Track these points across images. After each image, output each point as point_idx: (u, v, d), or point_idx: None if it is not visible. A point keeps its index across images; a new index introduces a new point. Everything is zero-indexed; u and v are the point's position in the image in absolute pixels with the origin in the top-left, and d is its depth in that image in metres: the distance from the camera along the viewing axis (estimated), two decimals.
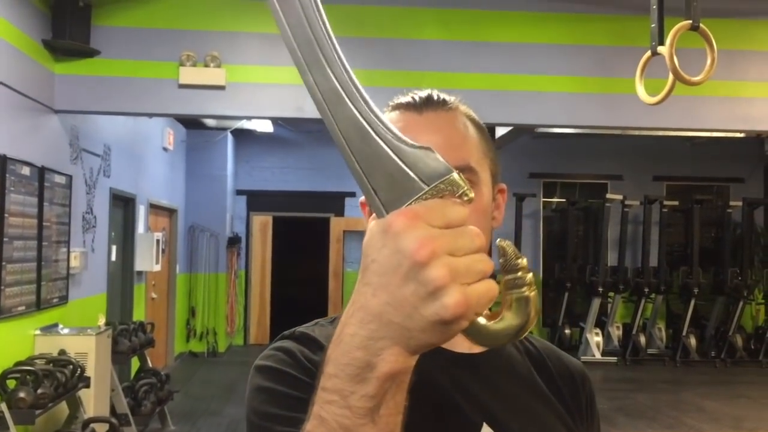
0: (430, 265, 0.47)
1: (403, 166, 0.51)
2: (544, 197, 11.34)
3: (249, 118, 7.75)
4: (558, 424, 0.90)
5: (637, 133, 8.62)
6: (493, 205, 0.88)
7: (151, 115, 7.08)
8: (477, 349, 0.88)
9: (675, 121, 5.77)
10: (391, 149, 0.52)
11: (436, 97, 0.86)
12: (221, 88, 5.42)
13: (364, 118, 0.52)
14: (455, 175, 0.51)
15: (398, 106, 0.87)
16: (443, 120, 0.85)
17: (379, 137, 0.52)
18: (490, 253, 0.83)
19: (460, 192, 0.51)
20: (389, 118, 0.87)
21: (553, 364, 0.95)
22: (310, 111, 5.48)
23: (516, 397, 0.88)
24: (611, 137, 9.75)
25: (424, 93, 0.87)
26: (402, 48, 5.62)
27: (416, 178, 0.51)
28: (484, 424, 0.83)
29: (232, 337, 10.53)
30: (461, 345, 0.87)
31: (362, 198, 0.91)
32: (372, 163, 0.52)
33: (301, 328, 0.87)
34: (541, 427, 0.88)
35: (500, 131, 8.21)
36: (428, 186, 0.51)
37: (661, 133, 8.32)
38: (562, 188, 11.42)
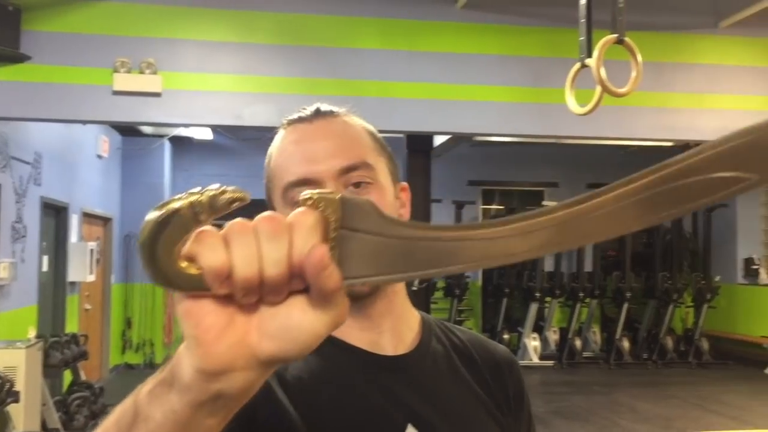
0: None
1: None
2: (483, 204, 11.51)
3: (186, 125, 7.64)
4: (486, 418, 0.91)
5: (571, 141, 8.85)
6: (398, 203, 0.91)
7: (84, 122, 6.92)
8: (401, 351, 0.90)
9: (606, 131, 5.96)
10: None
11: (324, 109, 0.91)
12: (157, 95, 5.35)
13: None
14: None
15: (291, 122, 0.91)
16: (334, 126, 0.89)
17: None
18: None
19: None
20: (284, 135, 0.91)
21: (479, 355, 0.97)
22: (249, 119, 5.45)
23: (442, 395, 0.89)
24: (547, 145, 9.98)
25: (312, 107, 0.91)
26: (341, 57, 5.64)
27: None
28: (409, 426, 0.84)
29: (170, 347, 10.33)
30: (385, 348, 0.89)
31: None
32: None
33: None
34: (468, 424, 0.89)
35: (439, 140, 8.32)
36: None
37: (594, 141, 8.55)
38: (501, 195, 11.61)
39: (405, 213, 0.93)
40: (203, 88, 5.44)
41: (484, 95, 5.72)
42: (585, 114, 3.13)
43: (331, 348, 0.87)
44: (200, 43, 5.51)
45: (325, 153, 0.85)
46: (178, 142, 10.27)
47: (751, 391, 8.52)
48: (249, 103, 5.45)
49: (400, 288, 0.92)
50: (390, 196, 0.88)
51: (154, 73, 5.34)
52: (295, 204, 0.84)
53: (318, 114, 0.90)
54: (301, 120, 0.90)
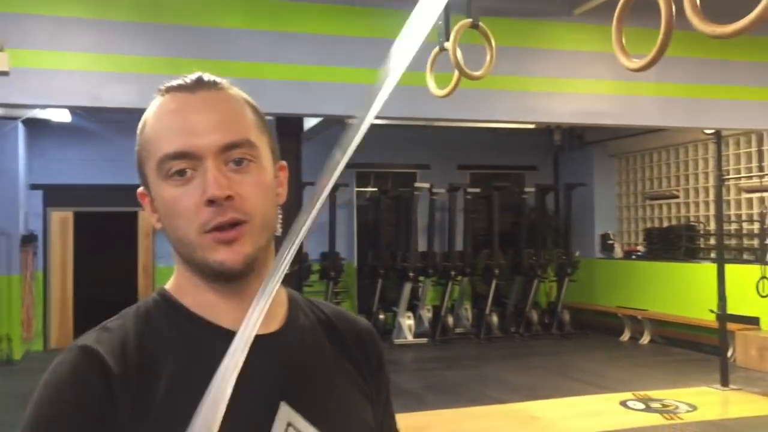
0: None
1: None
2: (357, 187, 11.60)
3: (39, 106, 7.20)
4: (352, 389, 0.94)
5: (441, 124, 9.05)
6: (276, 182, 0.90)
7: None
8: (273, 328, 0.90)
9: (470, 113, 6.14)
10: None
11: (207, 79, 0.87)
12: (4, 74, 4.98)
13: None
14: None
15: (170, 89, 0.87)
16: (218, 98, 0.87)
17: None
18: (286, 228, 0.85)
19: None
20: (162, 102, 0.87)
21: (343, 327, 0.99)
22: (107, 99, 5.20)
23: (311, 369, 0.91)
24: (419, 128, 10.17)
25: (194, 75, 0.87)
26: (205, 36, 5.48)
27: None
28: (282, 403, 0.84)
29: (30, 342, 9.76)
30: None
31: (141, 189, 0.90)
32: None
33: (85, 340, 0.83)
34: (336, 395, 0.91)
35: (311, 122, 8.28)
36: None
37: (461, 124, 8.79)
38: (376, 178, 11.74)
39: (283, 192, 0.93)
40: (56, 67, 5.13)
41: (353, 77, 5.74)
42: (444, 96, 3.22)
43: (200, 331, 0.85)
44: (52, 19, 5.18)
45: (208, 126, 0.83)
46: (33, 125, 9.65)
47: (608, 358, 9.13)
48: (107, 83, 5.19)
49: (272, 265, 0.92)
50: (270, 176, 0.88)
51: (1, 50, 4.97)
52: (170, 176, 0.81)
53: (200, 84, 0.86)
54: (181, 88, 0.86)
